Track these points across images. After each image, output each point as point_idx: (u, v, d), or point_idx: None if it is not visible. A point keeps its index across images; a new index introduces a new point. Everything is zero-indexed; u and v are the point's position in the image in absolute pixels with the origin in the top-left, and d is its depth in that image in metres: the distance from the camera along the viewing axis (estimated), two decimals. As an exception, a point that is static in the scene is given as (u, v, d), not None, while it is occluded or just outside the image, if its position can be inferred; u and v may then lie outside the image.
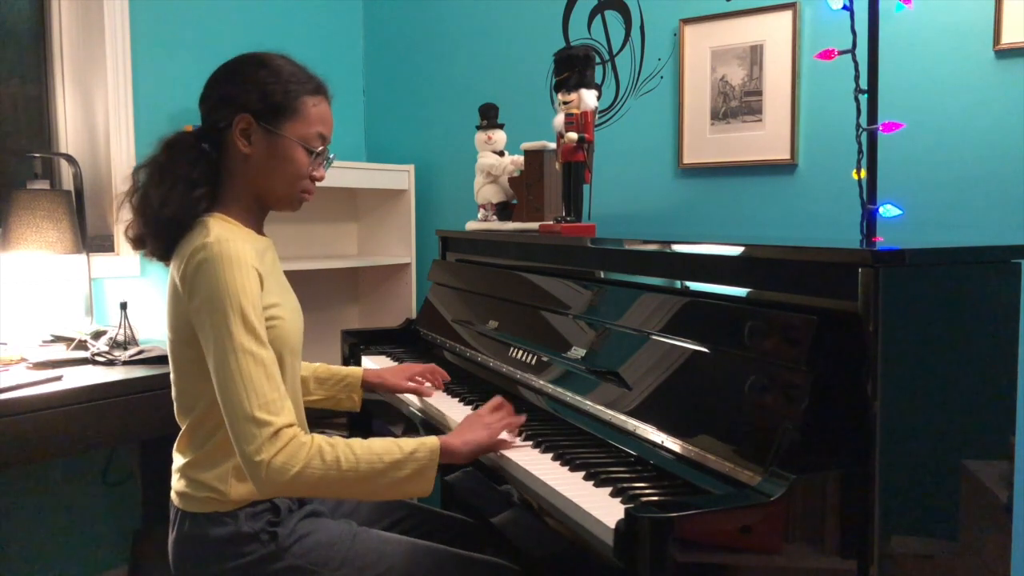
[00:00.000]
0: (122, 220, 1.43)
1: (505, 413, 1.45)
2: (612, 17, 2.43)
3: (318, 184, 1.45)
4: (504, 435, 1.41)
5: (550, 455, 1.36)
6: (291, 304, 1.43)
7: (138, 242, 1.40)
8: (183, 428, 1.39)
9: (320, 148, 1.40)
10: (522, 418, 1.46)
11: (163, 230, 1.35)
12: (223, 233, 1.29)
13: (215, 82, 1.40)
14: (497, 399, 1.48)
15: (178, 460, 1.40)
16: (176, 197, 1.33)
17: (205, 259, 1.25)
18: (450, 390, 1.83)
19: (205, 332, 1.26)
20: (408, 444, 1.29)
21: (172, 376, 1.38)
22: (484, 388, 1.83)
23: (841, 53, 1.52)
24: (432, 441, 1.31)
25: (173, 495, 1.40)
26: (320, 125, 1.40)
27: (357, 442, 1.27)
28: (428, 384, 1.82)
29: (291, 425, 1.24)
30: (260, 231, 1.45)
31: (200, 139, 1.39)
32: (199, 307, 1.26)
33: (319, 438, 1.25)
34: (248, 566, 1.34)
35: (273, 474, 1.20)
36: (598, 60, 2.32)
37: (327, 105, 1.43)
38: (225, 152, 1.38)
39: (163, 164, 1.36)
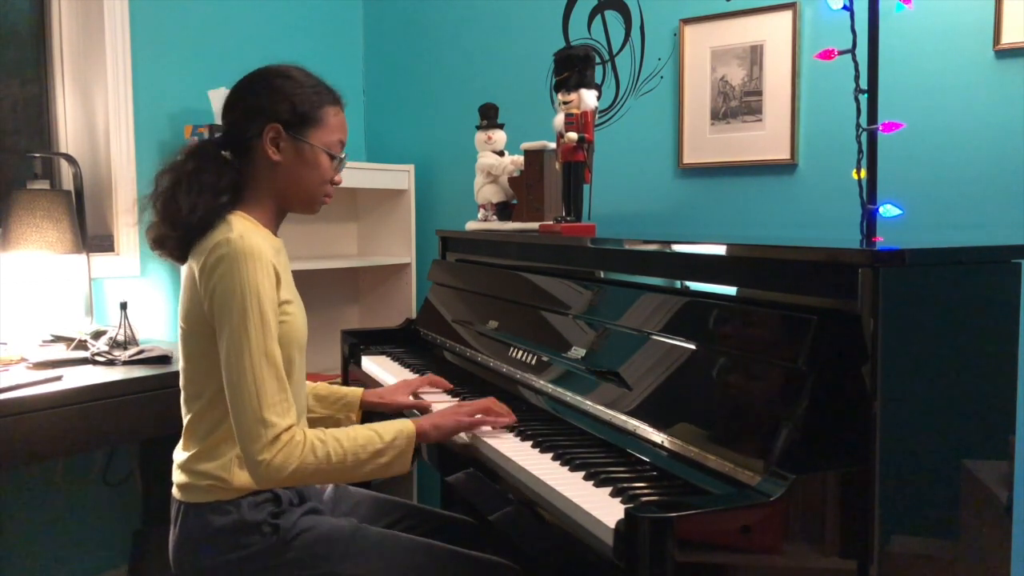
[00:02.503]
0: (141, 222, 1.48)
1: (484, 416, 1.51)
2: (612, 17, 2.43)
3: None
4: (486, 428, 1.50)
5: (550, 455, 1.37)
6: (299, 303, 1.48)
7: (158, 243, 1.44)
8: (187, 419, 1.42)
9: (342, 155, 1.48)
10: (503, 420, 1.52)
11: (189, 234, 1.40)
12: (245, 230, 1.34)
13: (240, 94, 1.45)
14: (486, 403, 1.53)
15: (180, 456, 1.42)
16: (204, 204, 1.38)
17: (226, 254, 1.30)
18: (450, 390, 1.83)
19: (221, 326, 1.31)
20: (388, 432, 1.39)
21: (181, 365, 1.42)
22: (484, 388, 1.83)
23: (841, 53, 1.52)
24: (408, 428, 1.41)
25: (174, 490, 1.42)
26: (340, 132, 1.48)
27: (344, 434, 1.35)
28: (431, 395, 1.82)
29: (291, 427, 1.30)
30: (275, 233, 1.50)
31: (221, 147, 1.45)
32: (218, 301, 1.31)
33: (311, 435, 1.32)
34: (249, 558, 1.35)
35: (272, 472, 1.28)
36: (598, 60, 2.32)
37: (344, 114, 1.50)
38: (251, 160, 1.43)
39: (190, 172, 1.41)
